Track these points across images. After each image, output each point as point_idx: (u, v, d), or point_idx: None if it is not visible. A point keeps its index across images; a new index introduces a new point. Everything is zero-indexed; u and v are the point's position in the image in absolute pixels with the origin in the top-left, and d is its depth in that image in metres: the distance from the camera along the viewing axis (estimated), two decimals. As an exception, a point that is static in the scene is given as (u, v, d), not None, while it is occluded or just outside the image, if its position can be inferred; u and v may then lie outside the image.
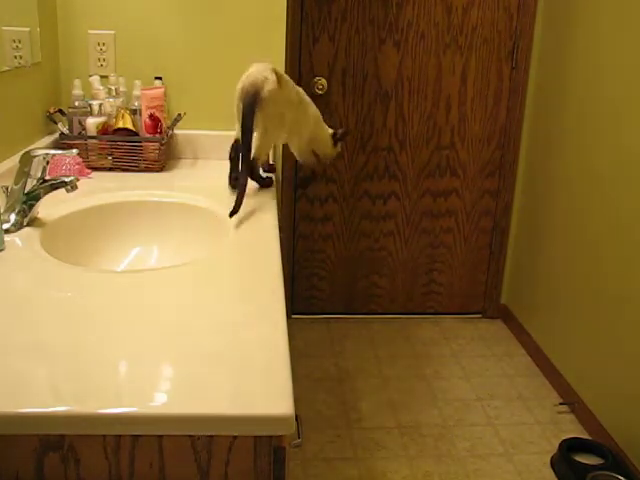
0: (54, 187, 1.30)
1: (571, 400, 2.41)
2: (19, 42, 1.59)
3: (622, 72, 2.16)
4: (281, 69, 1.92)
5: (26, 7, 1.65)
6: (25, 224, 1.30)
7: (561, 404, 2.46)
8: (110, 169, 1.77)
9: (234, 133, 1.59)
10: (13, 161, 1.49)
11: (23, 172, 1.28)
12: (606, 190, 2.24)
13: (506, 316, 3.10)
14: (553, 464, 2.13)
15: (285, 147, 2.04)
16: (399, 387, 2.55)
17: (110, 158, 1.76)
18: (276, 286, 1.09)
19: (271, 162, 1.84)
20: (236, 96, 1.56)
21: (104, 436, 0.76)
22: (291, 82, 1.69)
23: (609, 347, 2.20)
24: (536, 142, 2.83)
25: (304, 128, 1.80)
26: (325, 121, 1.89)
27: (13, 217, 1.28)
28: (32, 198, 1.30)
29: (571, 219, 2.48)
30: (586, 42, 2.40)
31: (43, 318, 0.94)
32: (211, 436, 0.77)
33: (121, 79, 1.87)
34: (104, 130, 1.78)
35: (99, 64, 1.89)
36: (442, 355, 2.81)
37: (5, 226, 1.26)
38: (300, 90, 1.76)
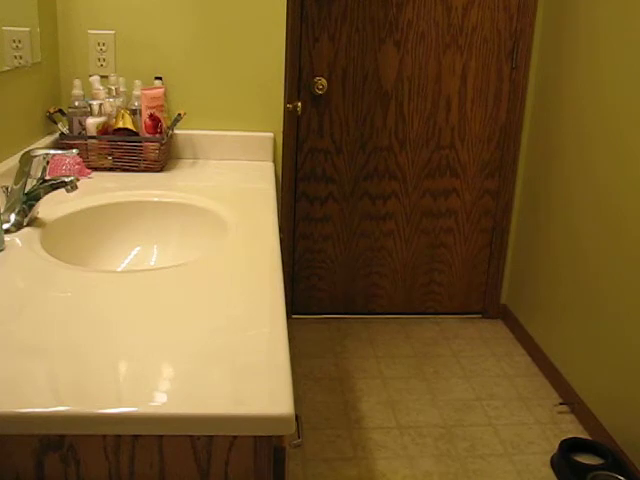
0: (54, 187, 1.30)
1: (571, 400, 2.41)
2: (19, 42, 1.59)
3: (622, 72, 2.16)
4: (281, 69, 1.93)
5: (26, 7, 1.65)
6: (25, 224, 1.30)
7: (561, 404, 2.46)
8: (110, 169, 1.77)
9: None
10: (13, 161, 1.49)
11: (23, 172, 1.28)
12: (606, 190, 2.24)
13: (506, 316, 3.10)
14: (553, 464, 2.13)
15: (285, 145, 2.04)
16: (399, 387, 2.55)
17: (110, 158, 1.76)
18: (276, 286, 1.09)
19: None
20: None
21: (104, 436, 0.76)
22: None
23: (609, 347, 2.20)
24: (536, 142, 2.83)
25: None
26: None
27: (13, 217, 1.28)
28: (32, 198, 1.30)
29: (571, 219, 2.48)
30: (586, 42, 2.40)
31: (43, 318, 0.94)
32: (211, 436, 0.77)
33: (121, 79, 1.86)
34: (104, 130, 1.78)
35: (99, 64, 1.89)
36: (442, 355, 2.80)
37: (5, 226, 1.26)
38: None
